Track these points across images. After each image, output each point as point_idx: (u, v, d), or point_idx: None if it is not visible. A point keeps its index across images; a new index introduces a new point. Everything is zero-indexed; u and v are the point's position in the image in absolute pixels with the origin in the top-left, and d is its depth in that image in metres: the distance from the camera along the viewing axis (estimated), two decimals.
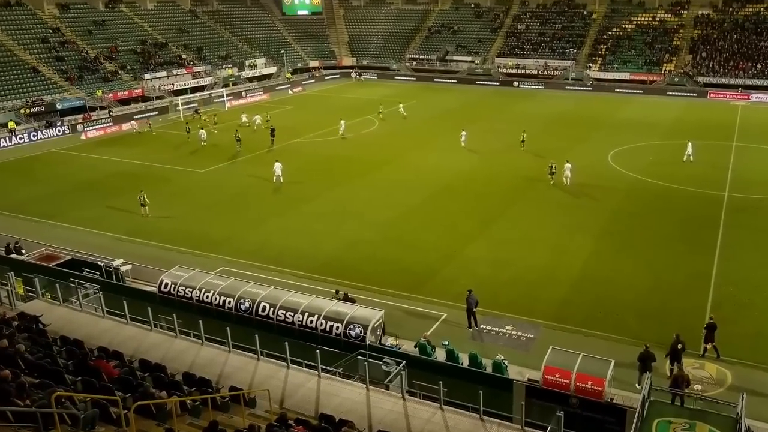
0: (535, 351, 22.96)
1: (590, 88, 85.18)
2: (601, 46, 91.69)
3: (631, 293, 27.85)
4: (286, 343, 19.28)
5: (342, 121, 58.37)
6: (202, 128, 58.31)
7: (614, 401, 18.39)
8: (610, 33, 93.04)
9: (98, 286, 25.22)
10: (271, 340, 20.90)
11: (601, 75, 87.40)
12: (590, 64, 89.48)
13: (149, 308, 22.08)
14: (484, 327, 25.31)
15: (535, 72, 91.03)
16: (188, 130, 59.49)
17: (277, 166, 44.54)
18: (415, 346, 21.90)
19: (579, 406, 17.92)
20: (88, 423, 12.77)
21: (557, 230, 34.97)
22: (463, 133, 54.07)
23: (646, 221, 36.25)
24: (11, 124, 59.31)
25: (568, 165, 43.40)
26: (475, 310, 25.03)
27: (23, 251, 30.53)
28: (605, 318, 25.82)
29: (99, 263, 28.75)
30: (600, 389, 18.03)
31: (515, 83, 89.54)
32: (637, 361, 21.06)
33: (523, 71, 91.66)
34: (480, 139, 55.96)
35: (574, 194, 41.03)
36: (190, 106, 72.00)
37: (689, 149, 48.03)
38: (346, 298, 24.89)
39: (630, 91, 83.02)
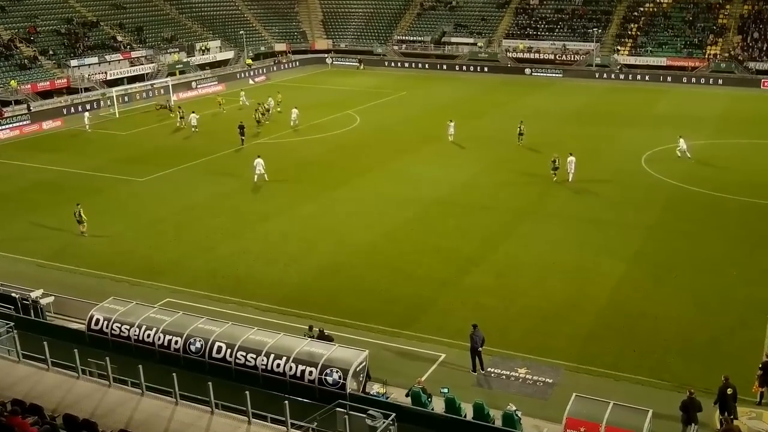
0: (555, 399, 22.92)
1: (619, 77, 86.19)
2: (632, 26, 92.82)
3: (671, 328, 27.94)
4: (247, 392, 19.17)
5: (294, 110, 60.66)
6: (193, 112, 61.31)
7: None
8: (642, 9, 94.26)
9: (12, 324, 24.97)
10: (228, 388, 20.78)
11: (632, 60, 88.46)
12: (618, 47, 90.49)
13: (76, 350, 21.89)
14: (492, 370, 25.27)
15: (552, 57, 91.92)
16: (182, 115, 62.95)
17: (258, 163, 45.75)
18: (407, 395, 21.85)
19: None
20: None
21: (579, 251, 35.11)
22: (451, 123, 55.49)
23: (689, 240, 36.49)
24: None
25: (571, 158, 45.07)
26: (480, 349, 25.01)
27: None
28: (640, 358, 25.87)
29: (13, 295, 28.49)
30: None
31: (527, 70, 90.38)
32: (679, 411, 21.09)
33: (537, 56, 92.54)
34: (483, 139, 56.36)
35: (599, 207, 41.31)
36: (164, 101, 72.63)
37: (682, 145, 49.82)
38: (322, 336, 24.81)
39: (667, 79, 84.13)
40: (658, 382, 24.26)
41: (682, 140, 50.25)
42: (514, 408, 20.84)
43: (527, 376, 24.82)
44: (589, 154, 50.60)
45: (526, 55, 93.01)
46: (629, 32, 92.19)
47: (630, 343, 26.85)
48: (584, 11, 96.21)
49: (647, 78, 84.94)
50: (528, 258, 34.49)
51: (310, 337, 24.66)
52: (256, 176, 45.81)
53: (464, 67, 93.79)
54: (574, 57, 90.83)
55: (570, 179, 44.84)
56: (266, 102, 65.71)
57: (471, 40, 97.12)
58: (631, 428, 18.33)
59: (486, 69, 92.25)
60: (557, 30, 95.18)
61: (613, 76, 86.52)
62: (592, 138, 56.08)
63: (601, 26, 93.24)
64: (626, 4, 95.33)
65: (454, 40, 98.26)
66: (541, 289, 31.26)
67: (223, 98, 72.67)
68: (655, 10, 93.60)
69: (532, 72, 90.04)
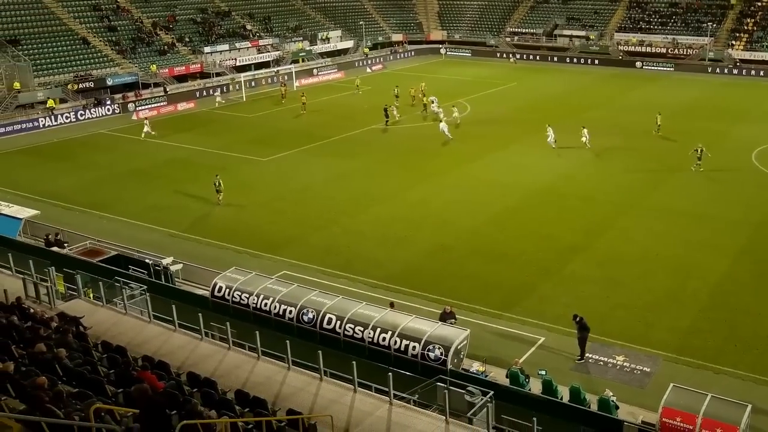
0: (652, 388, 22.33)
1: (733, 72, 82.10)
2: (748, 20, 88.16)
3: None
4: (354, 362, 19.45)
5: (456, 112, 57.59)
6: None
7: None
8: (759, 3, 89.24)
9: (145, 287, 26.17)
10: (336, 357, 21.15)
11: (747, 55, 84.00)
12: (733, 42, 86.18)
13: (200, 315, 22.73)
14: (590, 356, 24.74)
15: (663, 50, 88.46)
16: (304, 101, 63.65)
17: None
18: (506, 376, 21.69)
19: None
20: None
21: (683, 246, 33.83)
22: (454, 108, 57.34)
23: None
24: (50, 102, 62.44)
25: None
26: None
27: (66, 244, 32.06)
28: (741, 353, 24.84)
29: (147, 261, 29.81)
30: None
31: (638, 63, 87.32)
32: None
33: (649, 49, 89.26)
34: (590, 130, 54.84)
35: (705, 202, 39.65)
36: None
37: (586, 135, 49.64)
38: (447, 316, 24.75)
39: None
40: (759, 378, 23.25)
41: (585, 130, 49.61)
42: (610, 394, 20.40)
43: (625, 364, 24.23)
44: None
45: (638, 49, 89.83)
46: (745, 27, 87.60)
47: (731, 338, 25.80)
48: (699, 5, 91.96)
49: (762, 73, 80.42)
50: (630, 250, 33.49)
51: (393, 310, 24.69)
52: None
53: (574, 60, 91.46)
54: (686, 51, 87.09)
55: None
56: (421, 88, 65.50)
57: (583, 33, 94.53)
58: (729, 422, 17.63)
59: (596, 62, 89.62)
60: (671, 24, 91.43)
61: (726, 71, 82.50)
62: (702, 132, 53.35)
63: (716, 21, 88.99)
64: None
65: (565, 32, 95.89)
66: (642, 281, 30.32)
67: (360, 80, 74.00)
68: None
69: (643, 65, 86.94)
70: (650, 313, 27.66)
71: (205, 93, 72.47)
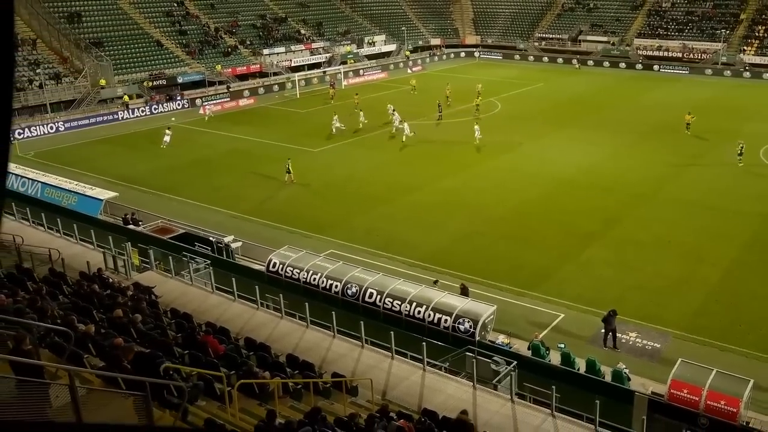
0: (662, 362, 22.05)
1: (744, 75, 79.90)
2: (759, 27, 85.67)
3: None
4: (392, 332, 19.55)
5: (477, 128, 49.62)
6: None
7: (751, 426, 17.37)
8: None
9: (209, 262, 26.58)
10: (376, 328, 21.27)
11: (758, 60, 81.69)
12: (744, 48, 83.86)
13: (257, 287, 23.05)
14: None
15: (679, 55, 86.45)
16: (357, 101, 61.50)
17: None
18: (529, 348, 21.58)
19: (709, 428, 17.06)
20: (192, 396, 13.53)
21: (695, 234, 33.16)
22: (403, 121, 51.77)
23: None
24: (125, 98, 63.74)
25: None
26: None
27: (140, 223, 32.67)
28: (746, 333, 24.31)
29: (210, 239, 30.25)
30: (734, 410, 17.09)
31: (656, 67, 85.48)
32: None
33: (666, 54, 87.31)
34: (610, 127, 54.00)
35: (716, 195, 38.79)
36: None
37: (477, 133, 48.51)
38: (464, 292, 24.74)
39: None
40: (761, 356, 22.75)
41: (476, 126, 49.05)
42: (623, 366, 20.20)
43: (637, 340, 23.92)
44: (709, 145, 47.49)
45: (656, 53, 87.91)
46: (756, 33, 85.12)
47: (737, 320, 25.27)
48: (714, 13, 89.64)
49: None
50: (645, 237, 32.92)
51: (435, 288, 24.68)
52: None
53: (596, 63, 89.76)
54: (701, 56, 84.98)
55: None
56: (477, 88, 64.23)
57: (605, 39, 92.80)
58: (732, 394, 17.34)
59: (617, 65, 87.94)
60: (687, 30, 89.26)
61: (737, 74, 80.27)
62: (714, 130, 52.34)
63: (729, 28, 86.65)
64: (755, 7, 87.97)
65: (589, 38, 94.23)
66: (655, 266, 29.80)
67: (415, 80, 73.34)
68: None
69: (660, 68, 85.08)
70: (662, 296, 27.22)
71: (263, 90, 72.84)
